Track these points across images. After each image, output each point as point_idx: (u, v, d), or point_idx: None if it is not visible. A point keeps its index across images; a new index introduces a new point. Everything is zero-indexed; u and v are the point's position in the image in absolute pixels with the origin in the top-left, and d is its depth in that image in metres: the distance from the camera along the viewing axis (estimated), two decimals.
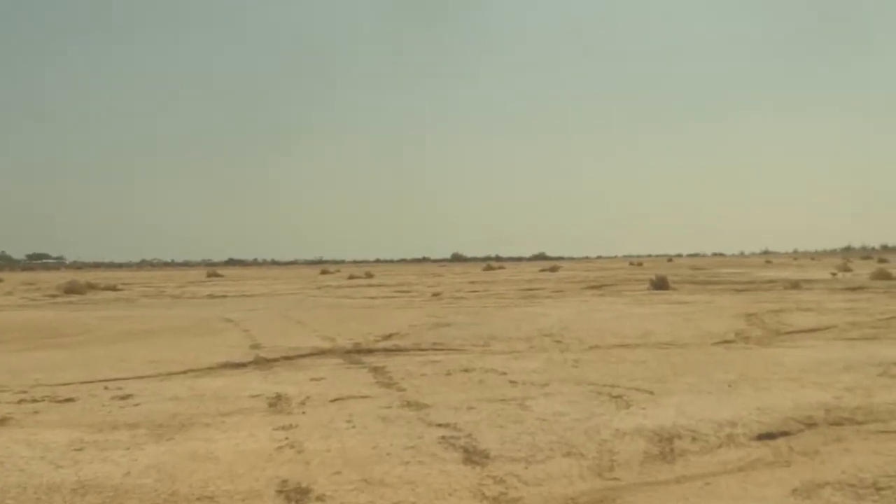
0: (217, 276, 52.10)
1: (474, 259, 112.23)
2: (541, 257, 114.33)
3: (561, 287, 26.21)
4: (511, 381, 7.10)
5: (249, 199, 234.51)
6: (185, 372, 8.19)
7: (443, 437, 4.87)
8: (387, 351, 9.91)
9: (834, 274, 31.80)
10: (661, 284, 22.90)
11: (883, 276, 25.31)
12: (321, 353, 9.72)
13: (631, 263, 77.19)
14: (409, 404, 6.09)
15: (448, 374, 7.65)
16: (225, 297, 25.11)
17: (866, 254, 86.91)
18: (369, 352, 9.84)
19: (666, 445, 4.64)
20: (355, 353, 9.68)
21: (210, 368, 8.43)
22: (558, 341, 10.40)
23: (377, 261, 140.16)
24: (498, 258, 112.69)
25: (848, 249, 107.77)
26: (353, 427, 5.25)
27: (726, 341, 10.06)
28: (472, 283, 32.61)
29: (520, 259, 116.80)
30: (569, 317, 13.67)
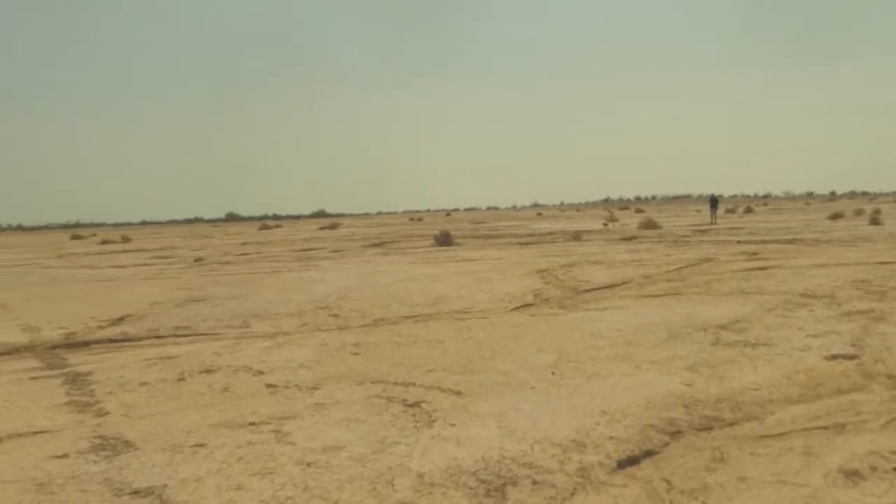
0: None
1: (251, 218, 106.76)
2: (321, 214, 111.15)
3: (341, 246, 24.35)
4: (269, 386, 5.14)
5: None
6: None
7: None
8: (110, 342, 7.49)
9: (605, 224, 32.98)
10: (445, 240, 21.83)
11: (650, 225, 26.36)
12: (10, 352, 7.07)
13: (411, 219, 77.34)
14: (102, 444, 3.93)
15: (181, 378, 5.50)
16: None
17: (623, 205, 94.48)
18: (85, 345, 7.38)
19: (498, 502, 2.98)
20: (64, 349, 7.17)
21: None
22: (335, 315, 8.57)
23: (143, 223, 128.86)
24: (276, 217, 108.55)
25: (607, 201, 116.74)
26: None
27: (527, 304, 8.82)
28: (243, 244, 29.70)
29: (299, 217, 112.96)
30: (349, 282, 11.87)
